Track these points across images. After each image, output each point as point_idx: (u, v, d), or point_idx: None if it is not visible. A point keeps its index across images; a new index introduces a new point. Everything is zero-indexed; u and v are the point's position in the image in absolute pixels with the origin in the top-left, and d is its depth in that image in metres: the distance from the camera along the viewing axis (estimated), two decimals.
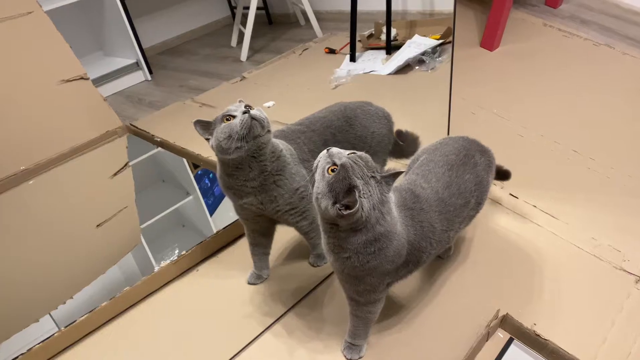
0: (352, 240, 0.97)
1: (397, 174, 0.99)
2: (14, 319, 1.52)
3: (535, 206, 1.56)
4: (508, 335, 1.24)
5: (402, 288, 1.32)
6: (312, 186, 0.98)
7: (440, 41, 2.56)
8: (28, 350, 1.25)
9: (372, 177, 0.95)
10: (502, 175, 1.44)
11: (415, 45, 2.59)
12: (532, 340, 1.20)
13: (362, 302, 1.11)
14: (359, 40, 2.82)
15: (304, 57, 2.97)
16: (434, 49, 2.51)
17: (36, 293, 1.65)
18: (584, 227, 1.48)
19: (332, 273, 1.40)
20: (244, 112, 1.11)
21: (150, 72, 3.15)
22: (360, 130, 1.39)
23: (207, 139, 1.16)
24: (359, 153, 0.97)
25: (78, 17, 3.08)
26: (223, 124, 1.12)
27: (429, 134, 1.52)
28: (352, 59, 2.73)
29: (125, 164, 2.19)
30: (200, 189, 2.16)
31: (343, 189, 0.92)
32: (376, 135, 1.42)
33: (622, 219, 1.50)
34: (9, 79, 2.08)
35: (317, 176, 0.96)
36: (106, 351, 1.31)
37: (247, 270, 1.44)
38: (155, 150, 2.26)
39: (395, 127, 1.50)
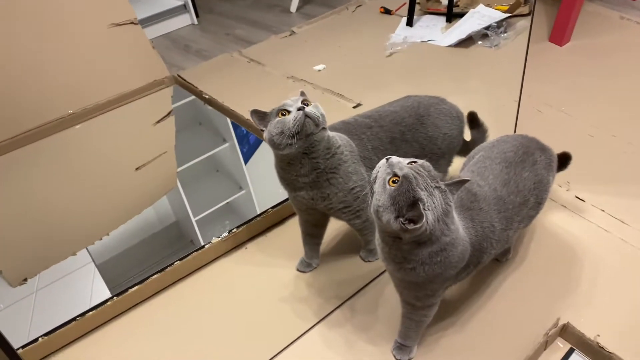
0: (417, 252, 0.93)
1: (462, 182, 0.94)
2: (53, 252, 1.60)
3: (603, 210, 1.50)
4: (568, 346, 1.21)
5: (456, 291, 1.30)
6: (371, 197, 0.93)
7: (508, 15, 2.41)
8: (80, 315, 1.27)
9: (437, 187, 0.90)
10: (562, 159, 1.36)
11: (479, 16, 2.44)
12: (595, 352, 1.16)
13: (419, 306, 1.09)
14: (418, 2, 2.67)
15: (357, 14, 2.84)
16: (499, 23, 2.37)
17: (75, 229, 1.73)
18: None
19: (384, 271, 1.36)
20: (299, 109, 1.08)
21: (197, 15, 3.06)
22: (432, 130, 1.33)
23: (262, 130, 1.13)
24: (419, 162, 0.92)
25: None
26: (277, 119, 1.10)
27: (493, 126, 1.45)
28: (409, 23, 2.60)
29: (169, 113, 2.18)
30: (236, 135, 2.14)
31: (407, 202, 0.88)
32: (447, 137, 1.35)
33: None
34: (61, 21, 2.03)
35: (377, 187, 0.92)
36: (155, 322, 1.32)
37: (295, 254, 1.42)
38: (195, 97, 2.25)
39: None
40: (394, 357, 1.18)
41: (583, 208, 1.52)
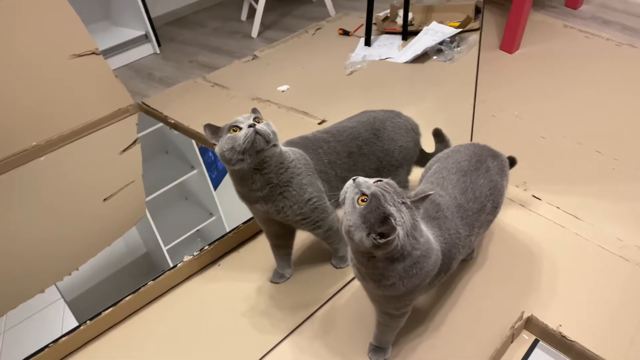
0: (392, 268, 0.95)
1: (425, 197, 0.97)
2: (21, 289, 1.56)
3: (558, 207, 1.57)
4: (533, 337, 1.26)
5: (426, 293, 1.34)
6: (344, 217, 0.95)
7: (459, 30, 2.53)
8: (53, 342, 1.25)
9: (403, 203, 0.93)
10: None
11: (433, 32, 2.55)
12: (558, 342, 1.22)
13: (396, 315, 1.12)
14: (374, 24, 2.78)
15: (317, 37, 2.92)
16: (452, 38, 2.48)
17: (43, 265, 1.68)
18: (609, 228, 1.49)
19: (354, 277, 1.40)
20: (250, 126, 1.10)
21: (159, 44, 3.08)
22: (387, 143, 1.38)
23: (214, 144, 1.16)
24: (385, 180, 0.95)
25: None
26: (228, 135, 1.12)
27: (451, 133, 1.51)
28: (367, 43, 2.69)
29: (135, 141, 2.18)
30: (204, 161, 2.15)
31: (378, 218, 0.90)
32: (403, 149, 1.40)
33: None
34: (21, 53, 2.03)
35: (347, 207, 0.93)
36: (130, 344, 1.31)
37: (268, 267, 1.44)
38: (161, 124, 2.25)
39: (417, 133, 1.48)
40: (370, 359, 1.21)
41: (539, 206, 1.59)
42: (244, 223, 1.56)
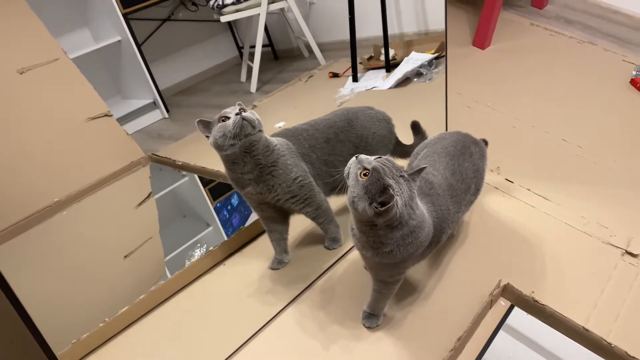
0: (391, 236, 1.05)
1: (421, 170, 1.07)
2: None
3: (529, 189, 1.67)
4: (509, 303, 1.34)
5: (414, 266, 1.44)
6: (347, 191, 1.06)
7: (436, 55, 2.72)
8: (75, 341, 1.36)
9: (401, 176, 1.03)
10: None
11: (413, 60, 2.74)
12: (531, 306, 1.30)
13: (391, 282, 1.22)
14: (360, 63, 2.99)
15: (309, 83, 3.13)
16: (430, 62, 2.66)
17: (63, 322, 1.66)
18: (574, 207, 1.59)
19: (345, 253, 1.51)
20: (237, 114, 1.25)
21: (167, 110, 3.34)
22: (361, 130, 1.51)
23: (207, 136, 1.30)
24: (384, 157, 1.05)
25: (97, 63, 3.30)
26: (219, 124, 1.27)
27: (429, 129, 1.63)
28: (355, 79, 2.89)
29: (149, 194, 2.32)
30: (219, 220, 2.25)
31: (378, 189, 0.99)
32: (377, 135, 1.53)
33: (607, 199, 1.62)
34: (41, 120, 2.23)
35: (351, 182, 1.04)
36: (146, 342, 1.40)
37: (269, 260, 1.55)
38: (177, 184, 2.37)
39: (397, 131, 1.60)
40: (364, 325, 1.30)
41: (512, 188, 1.69)
42: (245, 226, 1.67)
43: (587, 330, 1.21)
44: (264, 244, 1.57)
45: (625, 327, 1.24)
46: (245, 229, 1.68)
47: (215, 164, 2.12)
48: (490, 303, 1.32)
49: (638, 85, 2.15)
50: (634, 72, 2.22)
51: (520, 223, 1.55)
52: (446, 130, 1.79)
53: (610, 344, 1.18)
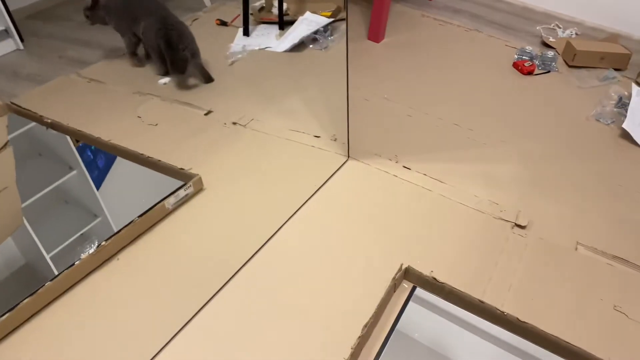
0: None
1: None
2: None
3: (425, 174, 1.79)
4: (412, 285, 1.45)
5: (314, 254, 1.49)
6: None
7: (332, 19, 2.71)
8: None
9: None
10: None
11: (308, 22, 2.70)
12: (432, 285, 1.42)
13: None
14: (251, 14, 2.85)
15: (194, 28, 2.90)
16: (325, 28, 2.65)
17: None
18: (467, 188, 1.74)
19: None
20: None
21: (22, 39, 2.87)
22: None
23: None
24: None
25: None
26: None
27: (330, 119, 1.65)
28: (246, 33, 2.76)
29: (5, 144, 2.03)
30: (83, 161, 2.05)
31: None
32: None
33: (497, 179, 1.80)
34: None
35: None
36: (33, 348, 1.26)
37: (167, 255, 1.48)
38: (32, 125, 2.09)
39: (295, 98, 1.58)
40: None
41: (409, 174, 1.80)
42: (139, 217, 1.55)
43: (482, 302, 1.34)
44: (160, 236, 1.49)
45: (516, 296, 1.38)
46: (140, 220, 1.54)
47: (94, 127, 1.92)
48: (394, 287, 1.41)
49: (519, 67, 2.41)
50: (516, 56, 2.49)
51: (417, 206, 1.66)
52: (347, 121, 1.81)
53: (503, 312, 1.32)
